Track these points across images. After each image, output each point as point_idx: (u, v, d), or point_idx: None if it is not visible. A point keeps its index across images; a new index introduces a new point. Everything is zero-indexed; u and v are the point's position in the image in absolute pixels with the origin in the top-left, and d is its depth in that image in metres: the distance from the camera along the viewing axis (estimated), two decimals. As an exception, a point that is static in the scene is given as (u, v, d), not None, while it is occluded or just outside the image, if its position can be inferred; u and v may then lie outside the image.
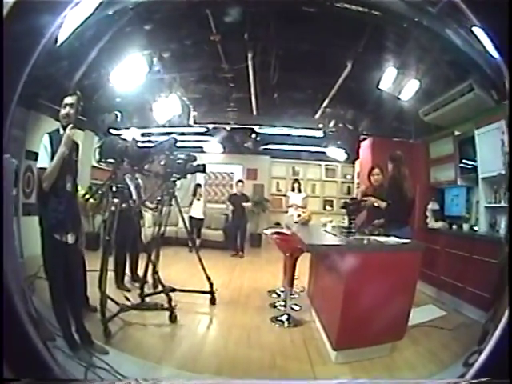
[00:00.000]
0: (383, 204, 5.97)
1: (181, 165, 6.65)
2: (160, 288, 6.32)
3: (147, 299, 6.19)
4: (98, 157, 5.10)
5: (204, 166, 7.09)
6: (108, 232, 5.08)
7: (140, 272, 7.10)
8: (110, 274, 5.85)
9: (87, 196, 5.27)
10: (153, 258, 6.63)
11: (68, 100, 4.38)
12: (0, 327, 2.52)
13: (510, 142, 6.40)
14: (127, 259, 7.34)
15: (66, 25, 3.89)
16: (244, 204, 12.13)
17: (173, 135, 6.61)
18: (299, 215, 7.25)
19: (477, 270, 4.77)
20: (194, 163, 6.86)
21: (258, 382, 4.54)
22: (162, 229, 6.85)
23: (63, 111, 4.32)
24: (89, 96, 7.86)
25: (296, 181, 12.53)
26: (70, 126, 4.39)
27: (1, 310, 2.82)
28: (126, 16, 6.19)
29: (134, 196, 7.19)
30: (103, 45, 6.69)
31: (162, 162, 6.59)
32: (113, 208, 5.30)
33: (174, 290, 6.63)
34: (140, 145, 5.51)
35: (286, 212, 12.12)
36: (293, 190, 12.33)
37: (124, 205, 6.09)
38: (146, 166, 6.20)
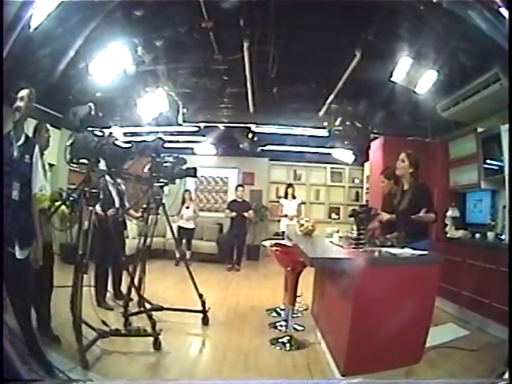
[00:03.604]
0: (432, 216, 5.81)
1: (168, 168, 6.55)
2: (147, 306, 6.28)
3: (130, 323, 6.09)
4: (68, 157, 4.90)
5: (195, 169, 7.01)
6: (83, 245, 4.91)
7: (124, 288, 7.05)
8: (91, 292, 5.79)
9: (57, 203, 5.11)
10: (138, 272, 6.56)
11: (21, 93, 4.34)
12: (0, 327, 2.60)
13: (510, 142, 6.39)
14: (109, 274, 7.29)
15: (43, 9, 3.88)
16: (245, 214, 12.02)
17: (159, 135, 6.52)
18: (302, 225, 7.16)
19: (503, 284, 4.70)
20: (184, 166, 6.78)
21: (258, 382, 4.65)
22: (149, 240, 6.76)
23: (15, 105, 4.28)
24: (66, 90, 7.85)
25: (290, 186, 12.32)
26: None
27: (1, 310, 2.83)
28: (107, 4, 6.19)
29: (117, 203, 7.15)
30: (85, 33, 6.69)
31: (148, 166, 6.51)
32: (89, 216, 5.13)
33: (162, 308, 6.61)
34: (119, 143, 5.33)
35: (279, 221, 12.04)
36: (286, 196, 12.15)
37: (101, 212, 6.01)
38: (125, 168, 6.07)
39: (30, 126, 5.17)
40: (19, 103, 4.26)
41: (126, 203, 7.55)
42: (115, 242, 6.27)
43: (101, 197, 5.39)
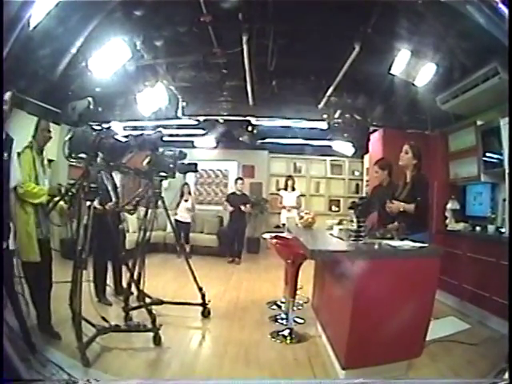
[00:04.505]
0: (412, 207, 5.81)
1: (169, 162, 6.54)
2: (147, 300, 6.28)
3: (131, 318, 6.07)
4: (67, 151, 4.86)
5: (196, 165, 7.00)
6: (81, 240, 4.88)
7: (124, 283, 7.03)
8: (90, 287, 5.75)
9: (56, 199, 5.10)
10: (138, 266, 6.54)
11: (4, 96, 4.39)
12: (0, 329, 2.62)
13: (510, 142, 6.37)
14: (109, 269, 7.27)
15: (42, 8, 3.87)
16: (243, 208, 12.00)
17: (159, 128, 6.48)
18: (302, 217, 7.12)
19: (504, 277, 4.67)
20: (184, 161, 6.76)
21: (258, 381, 4.64)
22: (148, 234, 6.74)
23: None
24: (66, 86, 7.84)
25: (289, 177, 12.37)
26: None
27: (1, 311, 2.83)
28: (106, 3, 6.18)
29: (113, 198, 7.12)
30: (84, 30, 6.68)
31: (147, 160, 6.49)
32: (87, 211, 5.10)
33: (162, 302, 6.64)
34: (117, 137, 5.28)
35: (279, 214, 12.04)
36: (285, 188, 12.19)
37: (99, 206, 5.98)
38: (123, 163, 6.03)
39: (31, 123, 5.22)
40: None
41: (120, 197, 7.54)
42: (113, 236, 6.25)
43: (100, 192, 5.36)
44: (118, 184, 7.54)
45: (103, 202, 6.33)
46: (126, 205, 7.44)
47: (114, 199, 7.07)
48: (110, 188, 7.08)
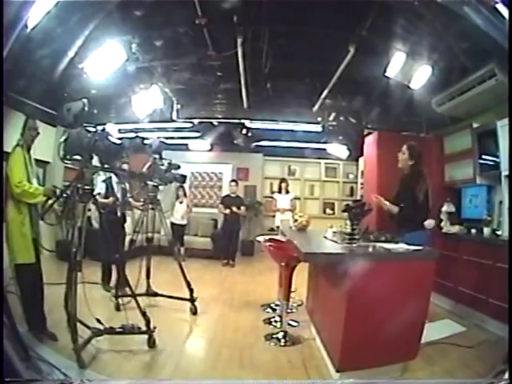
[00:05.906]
0: (395, 209, 5.88)
1: (162, 171, 6.73)
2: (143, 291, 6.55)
3: (124, 323, 6.06)
4: (62, 153, 4.82)
5: (184, 177, 7.16)
6: (76, 242, 4.86)
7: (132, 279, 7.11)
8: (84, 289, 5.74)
9: (50, 201, 5.07)
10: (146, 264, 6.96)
11: None
12: (0, 329, 2.64)
13: (510, 142, 6.38)
14: (112, 269, 7.49)
15: (40, 8, 3.86)
16: (237, 210, 11.98)
17: (157, 135, 6.57)
18: (296, 220, 7.11)
19: (500, 280, 4.65)
20: (177, 171, 6.88)
21: (258, 382, 4.62)
22: (150, 235, 7.08)
23: None
24: (62, 88, 7.84)
25: (283, 180, 12.21)
26: None
27: (1, 311, 2.82)
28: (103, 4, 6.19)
29: (120, 199, 7.21)
30: (81, 32, 6.69)
31: (149, 163, 6.61)
32: (82, 213, 5.09)
33: (156, 294, 6.99)
34: (112, 139, 5.27)
35: (274, 216, 11.97)
36: (279, 191, 12.04)
37: (93, 208, 5.96)
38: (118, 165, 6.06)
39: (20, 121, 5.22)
40: None
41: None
42: (120, 235, 6.34)
43: (101, 192, 5.35)
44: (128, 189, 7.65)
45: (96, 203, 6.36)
46: (130, 197, 7.54)
47: (119, 201, 7.16)
48: (118, 193, 7.15)
